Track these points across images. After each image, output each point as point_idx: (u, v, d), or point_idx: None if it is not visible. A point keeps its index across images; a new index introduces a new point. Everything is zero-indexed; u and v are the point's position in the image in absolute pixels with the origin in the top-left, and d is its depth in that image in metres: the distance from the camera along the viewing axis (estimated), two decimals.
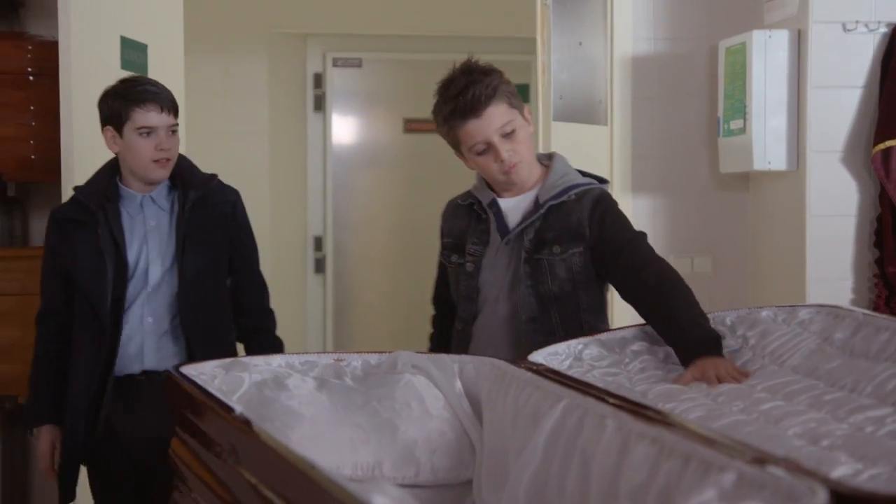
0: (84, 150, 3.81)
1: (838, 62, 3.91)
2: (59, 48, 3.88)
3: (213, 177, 3.31)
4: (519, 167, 2.78)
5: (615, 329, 2.78)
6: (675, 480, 1.71)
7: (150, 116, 3.14)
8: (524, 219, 2.82)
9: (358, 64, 6.50)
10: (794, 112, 3.97)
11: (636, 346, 2.66)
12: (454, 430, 2.52)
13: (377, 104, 6.56)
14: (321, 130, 6.47)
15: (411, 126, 6.54)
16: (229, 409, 2.17)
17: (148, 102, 3.14)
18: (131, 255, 3.16)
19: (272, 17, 6.29)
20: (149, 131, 3.14)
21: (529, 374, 2.37)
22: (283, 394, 2.50)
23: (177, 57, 4.45)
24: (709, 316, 2.62)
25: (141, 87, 3.19)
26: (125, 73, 3.67)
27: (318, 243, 6.48)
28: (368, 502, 1.49)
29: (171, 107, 3.19)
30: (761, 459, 1.58)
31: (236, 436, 2.10)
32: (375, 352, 2.74)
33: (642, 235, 2.80)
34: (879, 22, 3.88)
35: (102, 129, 3.20)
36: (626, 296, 2.75)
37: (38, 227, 4.19)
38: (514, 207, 2.84)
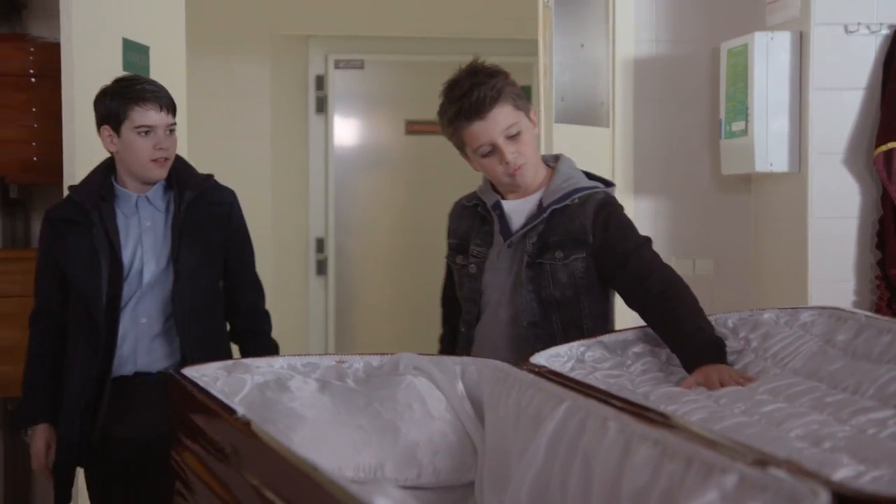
0: (86, 151, 3.81)
1: (840, 64, 3.91)
2: (62, 50, 3.88)
3: (210, 177, 3.29)
4: (524, 169, 2.77)
5: (617, 331, 2.78)
6: (677, 482, 1.71)
7: (150, 115, 3.12)
8: (527, 222, 2.80)
9: (360, 66, 6.51)
10: (795, 114, 3.97)
11: (638, 349, 2.67)
12: (456, 432, 2.52)
13: (379, 106, 6.56)
14: (323, 132, 6.47)
15: (413, 128, 6.54)
16: (231, 411, 2.17)
17: (147, 101, 3.12)
18: (126, 256, 3.14)
19: (274, 19, 6.29)
20: (147, 130, 3.12)
21: (531, 376, 2.37)
22: (286, 395, 2.50)
23: (179, 59, 4.45)
24: (711, 318, 2.62)
25: (139, 85, 3.17)
26: None
27: (320, 245, 6.48)
28: None
29: (169, 106, 3.17)
30: (763, 461, 1.58)
31: (238, 437, 2.10)
32: (377, 353, 2.74)
33: (647, 242, 2.77)
34: (881, 24, 3.88)
35: (99, 129, 3.18)
36: (631, 304, 2.74)
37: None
38: (517, 210, 2.83)
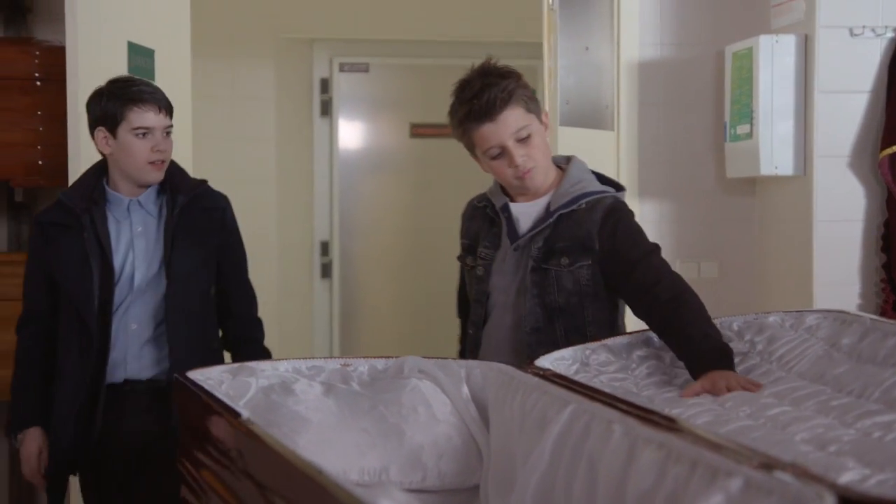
0: (91, 155, 3.79)
1: (845, 67, 3.91)
2: (67, 53, 3.88)
3: (203, 182, 3.24)
4: (533, 173, 2.74)
5: (622, 334, 2.77)
6: (682, 486, 1.71)
7: (148, 117, 3.09)
8: (534, 226, 2.78)
9: (364, 69, 6.51)
10: (800, 117, 3.97)
11: (643, 352, 2.66)
12: (461, 435, 2.52)
13: (384, 109, 6.57)
14: (328, 135, 6.47)
15: (418, 131, 6.54)
16: (236, 415, 2.17)
17: (145, 102, 3.09)
18: (117, 260, 3.11)
19: (279, 23, 6.29)
20: (145, 132, 3.08)
21: (536, 379, 2.37)
22: (290, 399, 2.50)
23: (184, 62, 4.45)
24: (716, 321, 2.60)
25: (136, 87, 3.13)
26: None
27: (325, 248, 6.49)
28: None
29: (167, 108, 3.14)
30: (768, 465, 1.58)
31: (243, 441, 2.10)
32: (382, 357, 2.74)
33: (656, 249, 2.73)
34: (886, 27, 3.88)
35: (92, 131, 3.13)
36: (638, 312, 2.70)
37: None
38: (525, 213, 2.81)
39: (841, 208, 3.91)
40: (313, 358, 2.74)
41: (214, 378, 2.57)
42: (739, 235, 4.32)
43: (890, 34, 3.88)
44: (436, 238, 6.35)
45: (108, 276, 3.08)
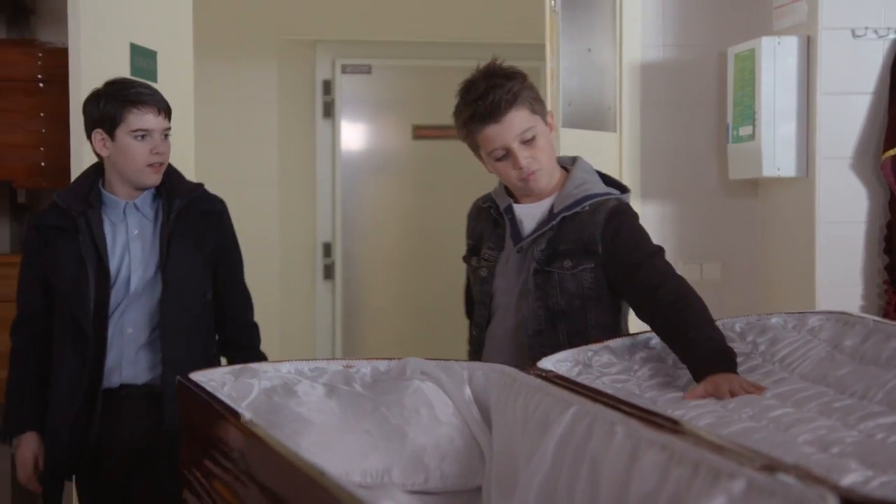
0: (93, 157, 3.81)
1: (848, 68, 3.90)
2: (69, 55, 3.88)
3: (200, 185, 3.21)
4: (538, 175, 2.73)
5: (624, 336, 2.77)
6: (684, 487, 1.71)
7: (147, 119, 3.06)
8: (538, 228, 2.77)
9: (367, 70, 6.51)
10: (803, 118, 3.97)
11: (645, 353, 2.66)
12: (463, 437, 2.52)
13: (386, 111, 6.57)
14: (330, 137, 6.47)
15: (420, 133, 6.54)
16: (238, 416, 2.17)
17: (145, 104, 3.06)
18: (113, 264, 3.07)
19: (281, 24, 6.30)
20: (144, 134, 3.05)
21: (539, 380, 2.37)
22: (293, 400, 2.50)
23: (186, 63, 4.45)
24: (718, 323, 2.59)
25: (134, 89, 3.10)
26: None
27: (327, 249, 6.49)
28: None
29: (166, 110, 3.11)
30: (771, 466, 1.58)
31: (245, 442, 2.10)
32: (385, 358, 2.74)
33: (659, 251, 2.71)
34: (889, 28, 3.88)
35: (90, 133, 3.10)
36: (641, 314, 2.68)
37: None
38: (529, 215, 2.80)
39: (843, 210, 3.91)
40: (315, 359, 2.74)
41: (217, 380, 2.58)
42: (742, 237, 4.32)
43: (892, 35, 3.88)
44: (438, 239, 6.35)
45: (103, 280, 3.06)
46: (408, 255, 6.57)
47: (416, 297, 6.48)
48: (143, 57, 4.15)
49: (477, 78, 2.73)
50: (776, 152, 3.98)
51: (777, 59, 3.96)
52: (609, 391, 2.33)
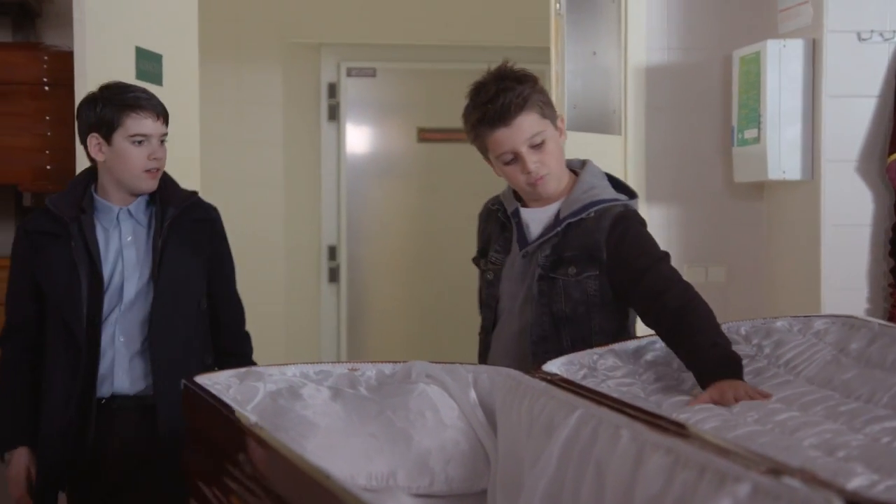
0: None
1: (853, 71, 3.90)
2: (75, 58, 3.88)
3: (194, 194, 3.17)
4: (546, 179, 2.72)
5: (630, 339, 2.76)
6: (690, 491, 1.71)
7: (146, 124, 3.02)
8: (543, 233, 2.75)
9: (372, 73, 6.52)
10: (808, 121, 3.97)
11: (650, 357, 2.66)
12: (468, 440, 2.52)
13: (391, 114, 6.57)
14: (335, 140, 6.48)
15: (425, 135, 6.54)
16: (244, 419, 2.17)
17: (143, 109, 3.03)
18: (106, 270, 3.03)
19: (286, 27, 6.30)
20: (142, 139, 3.02)
21: (544, 383, 2.36)
22: (298, 403, 2.50)
23: (191, 67, 4.45)
24: (723, 326, 2.58)
25: (133, 93, 3.06)
26: (141, 84, 3.66)
27: (332, 252, 6.49)
28: None
29: (164, 115, 3.08)
30: (777, 470, 1.58)
31: (251, 445, 2.10)
32: (390, 361, 2.74)
33: (665, 257, 2.69)
34: (894, 31, 3.88)
35: (85, 137, 3.06)
36: (647, 321, 2.66)
37: None
38: (536, 219, 2.78)
39: (849, 213, 3.91)
40: (321, 362, 2.74)
41: (222, 383, 2.57)
42: (747, 240, 4.32)
43: None
44: (443, 242, 6.36)
45: (96, 286, 3.01)
46: (413, 257, 6.57)
47: (421, 300, 6.48)
48: (148, 60, 4.15)
49: (487, 80, 2.71)
50: (781, 155, 3.97)
51: (782, 62, 3.96)
52: (614, 394, 2.33)
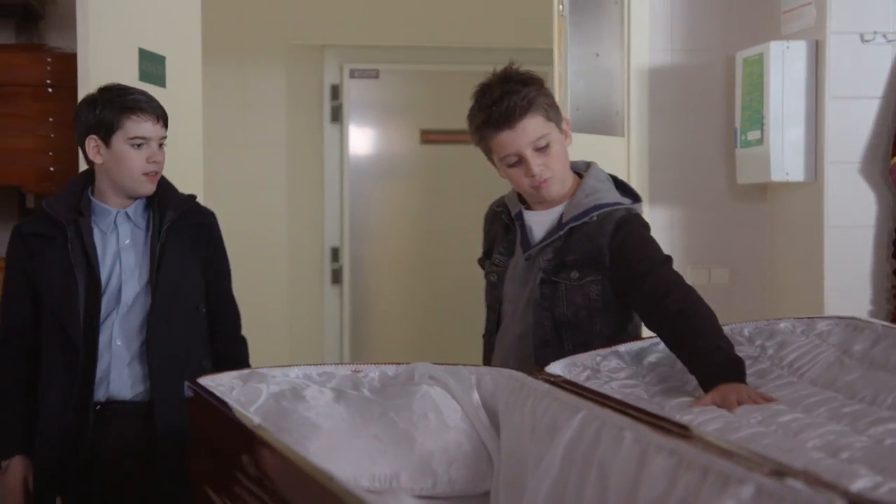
0: None
1: (856, 73, 3.90)
2: (78, 60, 3.88)
3: (192, 197, 3.16)
4: (549, 183, 2.71)
5: (633, 341, 2.76)
6: (693, 493, 1.71)
7: (145, 127, 3.01)
8: (546, 236, 2.75)
9: (375, 75, 6.52)
10: (811, 123, 3.97)
11: (654, 358, 2.66)
12: (471, 442, 2.52)
13: (394, 115, 6.58)
14: (338, 141, 6.48)
15: (428, 137, 6.54)
16: (247, 421, 2.17)
17: (143, 112, 3.01)
18: (103, 272, 3.01)
19: (289, 29, 6.31)
20: (141, 142, 3.00)
21: (547, 385, 2.36)
22: (301, 405, 2.50)
23: (194, 68, 4.45)
24: (726, 327, 2.58)
25: (132, 95, 3.05)
26: (144, 85, 3.67)
27: (335, 254, 6.49)
28: None
29: (164, 118, 3.07)
30: (780, 472, 1.58)
31: (254, 447, 2.10)
32: (393, 363, 2.74)
33: (667, 260, 2.67)
34: None
35: (83, 139, 3.04)
36: (650, 324, 2.65)
37: None
38: (539, 222, 2.77)
39: (852, 214, 3.91)
40: (324, 364, 2.74)
41: (225, 384, 2.57)
42: (750, 241, 4.32)
43: None
44: (446, 244, 6.36)
45: (94, 289, 2.99)
46: (416, 259, 6.57)
47: (424, 301, 6.48)
48: (151, 62, 4.16)
49: (492, 82, 2.71)
50: (784, 157, 3.98)
51: (785, 64, 3.97)
52: (618, 396, 2.32)
